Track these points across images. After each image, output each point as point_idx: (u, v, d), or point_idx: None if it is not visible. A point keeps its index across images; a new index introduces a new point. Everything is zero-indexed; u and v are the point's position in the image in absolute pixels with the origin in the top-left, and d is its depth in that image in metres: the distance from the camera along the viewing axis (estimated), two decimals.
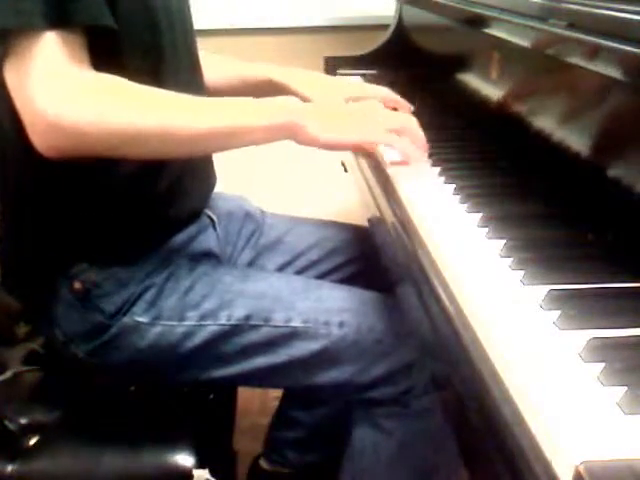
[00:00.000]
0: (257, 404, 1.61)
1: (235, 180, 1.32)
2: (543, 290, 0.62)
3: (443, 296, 0.66)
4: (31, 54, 0.78)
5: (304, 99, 1.11)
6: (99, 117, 0.80)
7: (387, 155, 0.96)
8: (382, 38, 1.68)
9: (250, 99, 0.90)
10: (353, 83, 1.22)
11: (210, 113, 0.87)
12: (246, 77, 1.19)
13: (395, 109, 1.13)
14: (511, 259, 0.68)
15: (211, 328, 0.95)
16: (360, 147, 0.96)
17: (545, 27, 0.88)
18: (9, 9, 0.77)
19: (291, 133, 0.87)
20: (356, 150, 1.01)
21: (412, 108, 1.16)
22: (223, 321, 0.95)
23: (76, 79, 0.80)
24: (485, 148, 1.05)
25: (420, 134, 0.93)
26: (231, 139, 0.88)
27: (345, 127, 0.90)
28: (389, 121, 0.93)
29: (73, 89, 0.80)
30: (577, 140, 0.82)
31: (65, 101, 0.79)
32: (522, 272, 0.65)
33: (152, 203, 0.97)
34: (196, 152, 0.94)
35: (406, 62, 1.40)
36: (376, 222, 0.97)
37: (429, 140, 0.95)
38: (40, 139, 0.81)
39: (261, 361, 0.96)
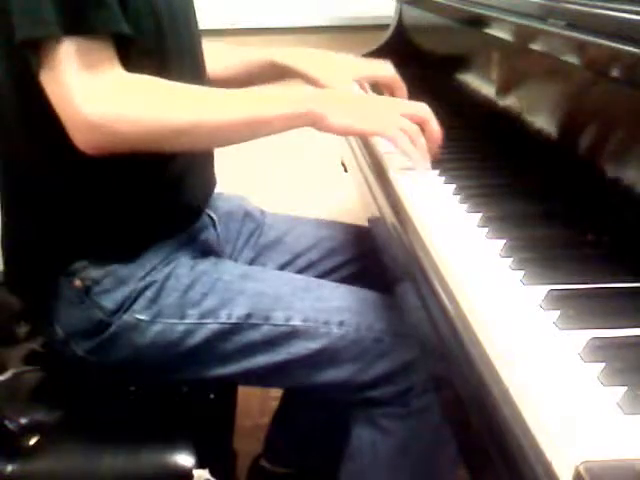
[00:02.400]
0: (257, 404, 1.61)
1: (235, 180, 1.32)
2: (543, 290, 0.62)
3: (443, 296, 0.66)
4: (63, 62, 0.81)
5: (310, 79, 1.12)
6: (137, 115, 0.85)
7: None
8: (382, 38, 1.68)
9: (269, 89, 0.93)
10: (358, 60, 1.22)
11: (236, 105, 0.91)
12: (249, 62, 1.20)
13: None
14: (511, 259, 0.68)
15: (211, 326, 0.95)
16: (377, 135, 0.96)
17: (544, 27, 0.88)
18: (27, 20, 0.80)
19: (312, 121, 0.90)
20: (372, 136, 1.03)
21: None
22: (223, 319, 0.95)
23: (110, 81, 0.84)
24: (485, 148, 1.05)
25: (437, 126, 0.93)
26: (256, 128, 0.91)
27: (363, 115, 0.93)
28: (409, 110, 0.93)
29: (108, 90, 0.84)
30: (577, 140, 0.82)
31: (104, 102, 0.83)
32: (522, 272, 0.65)
33: (153, 201, 0.97)
34: (224, 143, 0.97)
35: (406, 62, 1.40)
36: (376, 222, 0.97)
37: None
38: (84, 140, 0.85)
39: (261, 360, 0.96)
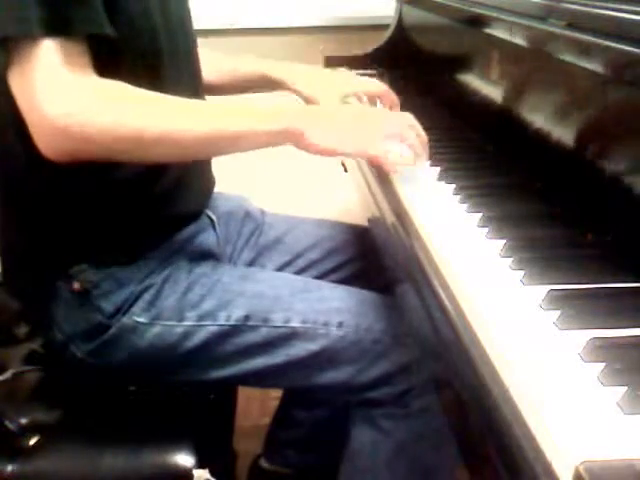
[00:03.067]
0: (257, 404, 1.61)
1: (235, 180, 1.32)
2: (543, 290, 0.62)
3: (443, 296, 0.66)
4: (34, 62, 0.79)
5: (301, 95, 1.11)
6: (105, 122, 0.81)
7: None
8: (382, 38, 1.68)
9: (251, 103, 0.91)
10: (350, 77, 1.22)
11: (213, 118, 0.88)
12: (242, 73, 1.19)
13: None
14: (511, 259, 0.68)
15: (210, 328, 0.95)
16: (357, 156, 0.95)
17: (544, 27, 0.88)
18: (10, 17, 0.78)
19: (291, 139, 0.87)
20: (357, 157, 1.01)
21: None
22: (222, 321, 0.95)
23: (81, 85, 0.81)
24: (485, 148, 1.05)
25: (422, 135, 0.93)
26: (233, 144, 0.88)
27: (344, 135, 0.89)
28: (389, 127, 0.91)
29: (77, 94, 0.81)
30: (577, 140, 0.82)
31: (71, 107, 0.80)
32: (522, 272, 0.65)
33: (151, 203, 0.97)
34: (199, 156, 0.95)
35: (406, 62, 1.40)
36: (376, 222, 0.97)
37: (429, 140, 0.95)
38: (46, 144, 0.82)
39: (260, 361, 0.96)
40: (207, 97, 1.09)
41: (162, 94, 0.86)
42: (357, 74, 1.51)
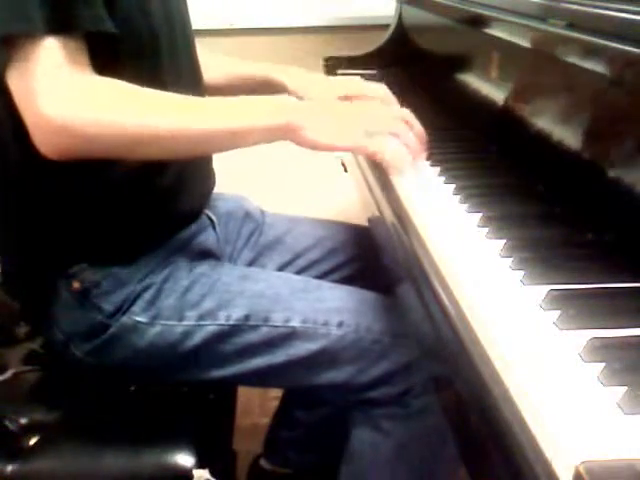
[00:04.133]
0: (257, 404, 1.61)
1: (235, 180, 1.32)
2: (543, 290, 0.62)
3: (443, 296, 0.66)
4: (34, 59, 0.79)
5: (301, 100, 1.11)
6: (103, 121, 0.82)
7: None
8: (382, 38, 1.68)
9: (249, 99, 0.90)
10: (351, 83, 1.22)
11: (211, 114, 0.88)
12: (244, 76, 1.19)
13: None
14: (511, 259, 0.68)
15: (210, 328, 0.95)
16: (355, 151, 0.95)
17: (544, 27, 0.88)
18: (10, 15, 0.78)
19: (289, 134, 0.87)
20: (348, 151, 1.01)
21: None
22: (222, 321, 0.95)
23: (80, 83, 0.81)
24: (485, 148, 1.05)
25: (419, 130, 0.93)
26: (231, 140, 0.88)
27: (342, 130, 0.89)
28: (386, 123, 0.91)
29: (77, 93, 0.81)
30: (577, 140, 0.82)
31: (70, 105, 0.80)
32: (522, 272, 0.65)
33: (151, 203, 0.97)
34: (197, 153, 0.95)
35: (406, 62, 1.40)
36: (376, 222, 0.97)
37: (429, 140, 0.95)
38: (44, 142, 0.82)
39: (260, 361, 0.96)
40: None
41: (161, 91, 0.86)
42: (357, 74, 1.51)
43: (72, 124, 0.80)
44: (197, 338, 0.95)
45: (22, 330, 1.12)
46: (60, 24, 0.78)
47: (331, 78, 1.20)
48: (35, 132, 0.82)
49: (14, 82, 0.81)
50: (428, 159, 0.98)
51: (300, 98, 1.09)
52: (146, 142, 0.84)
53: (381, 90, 1.15)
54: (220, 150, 0.92)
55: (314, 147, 0.88)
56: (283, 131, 0.87)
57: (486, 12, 1.08)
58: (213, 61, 1.17)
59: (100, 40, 0.83)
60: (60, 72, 0.79)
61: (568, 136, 0.85)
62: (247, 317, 0.95)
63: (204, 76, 1.09)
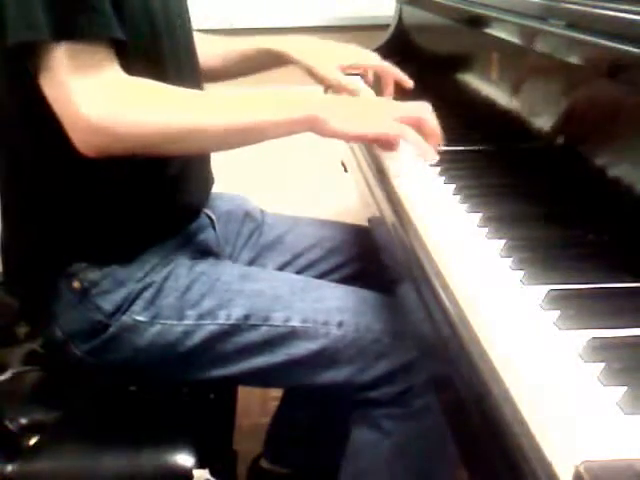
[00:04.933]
0: (257, 404, 1.61)
1: (235, 180, 1.32)
2: (543, 290, 0.62)
3: (443, 296, 0.66)
4: (60, 64, 0.81)
5: (305, 67, 1.15)
6: (137, 117, 0.84)
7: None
8: (382, 38, 1.68)
9: (271, 92, 0.92)
10: (350, 49, 1.24)
11: (236, 109, 0.90)
12: (244, 51, 1.21)
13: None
14: (511, 259, 0.68)
15: (210, 327, 0.95)
16: (378, 139, 0.95)
17: (544, 27, 0.88)
18: (19, 23, 0.80)
19: (312, 126, 0.89)
20: (375, 142, 1.01)
21: (411, 83, 1.19)
22: (222, 320, 0.95)
23: (109, 81, 0.84)
24: (485, 148, 1.05)
25: (435, 123, 0.93)
26: (255, 134, 0.90)
27: (364, 119, 0.92)
28: (406, 112, 0.92)
29: (109, 91, 0.83)
30: (577, 140, 0.82)
31: (104, 103, 0.83)
32: (522, 272, 0.65)
33: (150, 202, 0.97)
34: (224, 147, 0.96)
35: (406, 62, 1.40)
36: (376, 222, 0.97)
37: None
38: (83, 141, 0.84)
39: (260, 361, 0.96)
40: (214, 83, 1.11)
41: (186, 89, 0.89)
42: (357, 74, 1.51)
43: (112, 124, 0.83)
44: (197, 337, 0.95)
45: (22, 330, 1.12)
46: (68, 31, 0.80)
47: (330, 42, 1.22)
48: (74, 133, 0.84)
49: (47, 87, 0.83)
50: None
51: (306, 66, 1.11)
52: (181, 138, 0.87)
53: (380, 60, 1.16)
54: (245, 144, 0.93)
55: (342, 137, 0.91)
56: (305, 123, 0.89)
57: (486, 12, 1.08)
58: (209, 40, 1.18)
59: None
60: (88, 73, 0.82)
61: (568, 136, 0.85)
62: (247, 316, 0.95)
63: (200, 59, 1.10)
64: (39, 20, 0.79)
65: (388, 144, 0.92)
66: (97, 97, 0.82)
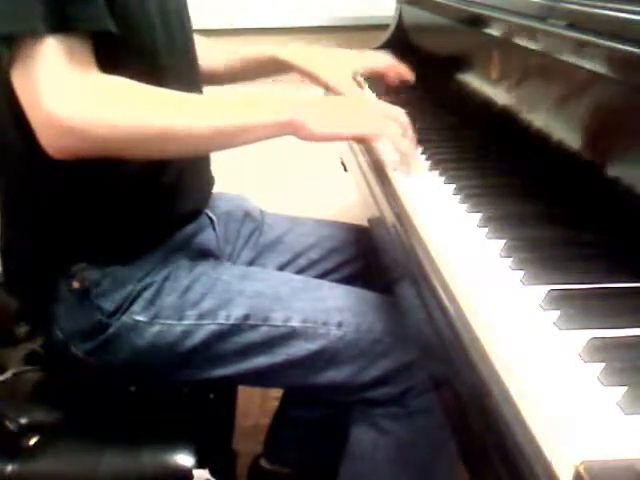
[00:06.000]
0: (257, 404, 1.61)
1: (235, 180, 1.32)
2: (543, 290, 0.62)
3: (443, 296, 0.66)
4: (37, 59, 0.78)
5: (311, 75, 1.14)
6: (109, 119, 0.82)
7: (388, 156, 0.96)
8: (382, 38, 1.68)
9: (253, 96, 0.92)
10: (355, 55, 1.24)
11: (214, 112, 0.89)
12: (247, 58, 1.21)
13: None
14: (511, 259, 0.68)
15: (210, 327, 0.95)
16: (357, 138, 0.96)
17: (545, 27, 0.88)
18: (11, 15, 0.78)
19: (292, 129, 0.89)
20: (354, 141, 1.02)
21: (413, 77, 1.19)
22: (222, 320, 0.95)
23: (84, 82, 0.81)
24: (485, 148, 1.05)
25: (409, 128, 0.94)
26: (234, 137, 0.89)
27: (342, 120, 0.91)
28: (384, 112, 0.94)
29: (82, 92, 0.81)
30: (577, 140, 0.82)
31: (75, 104, 0.80)
32: (522, 272, 0.65)
33: (151, 202, 0.97)
34: (201, 151, 0.96)
35: (406, 62, 1.40)
36: (376, 222, 0.97)
37: (429, 140, 0.95)
38: (50, 141, 0.82)
39: (260, 361, 0.96)
40: (216, 87, 1.11)
41: (163, 89, 0.87)
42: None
43: (83, 125, 0.80)
44: (197, 337, 0.95)
45: (22, 330, 1.12)
46: (61, 23, 0.78)
47: (334, 50, 1.22)
48: (43, 133, 0.81)
49: (19, 82, 0.80)
50: (428, 159, 0.98)
51: (308, 73, 1.11)
52: (155, 140, 0.85)
53: (385, 59, 1.16)
54: (224, 147, 0.92)
55: (318, 139, 0.90)
56: (285, 127, 0.88)
57: (486, 12, 1.08)
58: (212, 47, 1.17)
59: (99, 39, 0.83)
60: (65, 71, 0.79)
61: (568, 136, 0.85)
62: (247, 316, 0.95)
63: (203, 62, 1.09)
64: (31, 11, 0.77)
65: (370, 139, 0.94)
66: (70, 96, 0.80)
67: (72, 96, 0.80)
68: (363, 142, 0.97)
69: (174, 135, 0.85)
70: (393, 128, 0.91)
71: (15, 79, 0.81)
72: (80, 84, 0.81)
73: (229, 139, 0.89)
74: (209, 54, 1.14)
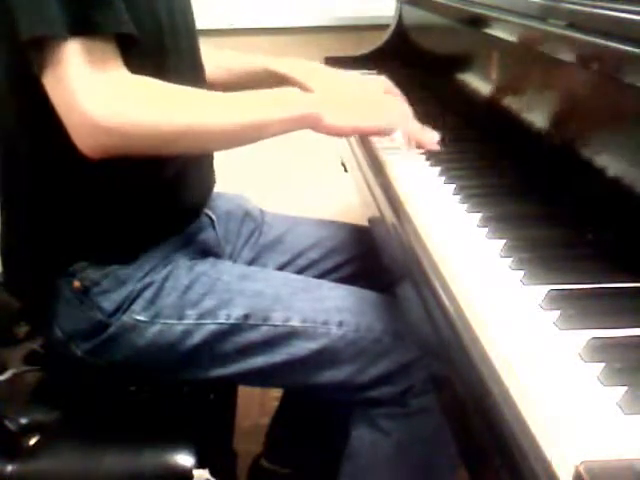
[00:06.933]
0: (257, 404, 1.61)
1: (235, 179, 1.32)
2: (543, 290, 0.62)
3: (443, 296, 0.66)
4: (67, 62, 0.80)
5: (306, 90, 1.12)
6: (141, 117, 0.84)
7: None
8: (382, 38, 1.68)
9: (267, 91, 0.94)
10: (352, 75, 1.23)
11: (237, 108, 0.90)
12: (246, 69, 1.20)
13: None
14: (511, 259, 0.68)
15: (210, 327, 0.95)
16: (375, 132, 0.99)
17: (545, 27, 0.88)
18: (34, 18, 0.79)
19: (310, 123, 0.91)
20: (371, 135, 1.05)
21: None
22: (222, 320, 0.95)
23: (115, 81, 0.83)
24: (485, 148, 1.05)
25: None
26: (256, 132, 0.91)
27: (359, 114, 0.94)
28: (398, 107, 0.97)
29: (114, 91, 0.83)
30: (577, 140, 0.82)
31: (109, 103, 0.82)
32: (522, 272, 0.65)
33: (151, 202, 0.97)
34: (225, 146, 0.96)
35: (406, 62, 1.40)
36: (376, 222, 0.97)
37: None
38: (86, 141, 0.83)
39: (260, 360, 0.96)
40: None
41: (189, 87, 0.89)
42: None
43: (113, 122, 0.82)
44: (197, 337, 0.95)
45: (22, 330, 1.12)
46: (82, 27, 0.80)
47: (332, 69, 1.22)
48: (79, 133, 0.82)
49: (52, 87, 0.82)
50: (428, 159, 0.98)
51: (304, 88, 1.10)
52: (184, 138, 0.87)
53: (385, 83, 1.15)
54: (245, 143, 0.93)
55: (337, 133, 0.93)
56: (304, 121, 0.91)
57: (486, 12, 1.08)
58: (213, 55, 1.17)
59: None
60: (96, 72, 0.80)
61: (568, 136, 0.85)
62: (247, 316, 0.95)
63: (207, 72, 1.09)
64: (55, 15, 0.78)
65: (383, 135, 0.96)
66: (102, 96, 0.81)
67: (106, 95, 0.82)
68: (379, 135, 0.98)
69: (200, 132, 0.88)
70: (411, 121, 0.93)
71: (47, 85, 0.82)
72: (110, 83, 0.82)
73: (250, 135, 0.91)
74: (211, 62, 1.14)
